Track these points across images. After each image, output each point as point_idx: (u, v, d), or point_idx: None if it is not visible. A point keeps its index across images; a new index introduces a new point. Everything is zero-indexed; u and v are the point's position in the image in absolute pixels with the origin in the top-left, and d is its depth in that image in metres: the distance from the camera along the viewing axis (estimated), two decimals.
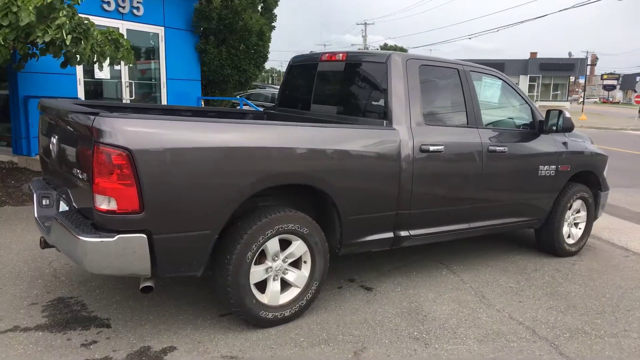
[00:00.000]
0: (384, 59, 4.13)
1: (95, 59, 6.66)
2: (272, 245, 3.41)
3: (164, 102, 10.56)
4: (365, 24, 70.03)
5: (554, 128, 4.84)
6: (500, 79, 4.89)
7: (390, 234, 4.07)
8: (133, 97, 9.96)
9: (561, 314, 4.01)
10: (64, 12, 5.74)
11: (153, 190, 2.85)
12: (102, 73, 9.32)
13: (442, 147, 4.16)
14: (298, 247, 3.54)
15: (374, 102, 4.24)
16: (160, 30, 10.39)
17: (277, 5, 12.79)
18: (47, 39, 5.52)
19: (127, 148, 2.75)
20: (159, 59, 10.52)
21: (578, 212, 5.60)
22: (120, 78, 9.82)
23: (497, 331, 3.63)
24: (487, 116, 4.79)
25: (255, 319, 3.40)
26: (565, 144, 5.21)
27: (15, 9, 5.51)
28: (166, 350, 3.15)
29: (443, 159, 4.20)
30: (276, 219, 3.37)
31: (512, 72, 52.07)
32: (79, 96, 9.01)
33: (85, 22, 6.16)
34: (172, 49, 10.61)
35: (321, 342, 3.33)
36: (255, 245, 3.29)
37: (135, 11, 9.77)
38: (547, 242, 5.48)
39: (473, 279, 4.65)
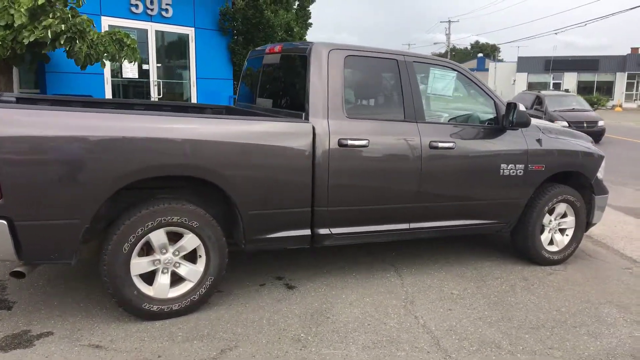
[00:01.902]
0: (306, 50, 3.97)
1: (97, 58, 6.99)
2: (157, 237, 3.38)
3: (194, 100, 10.89)
4: (449, 21, 68.45)
5: (509, 124, 4.41)
6: (455, 70, 4.52)
7: (307, 232, 3.91)
8: (161, 96, 10.38)
9: (486, 325, 3.64)
10: (57, 14, 6.07)
11: (11, 178, 2.93)
12: (130, 72, 9.80)
13: (366, 141, 3.93)
14: (189, 240, 3.49)
15: (297, 95, 4.09)
16: (190, 31, 10.74)
17: (313, 2, 12.76)
18: (31, 39, 5.87)
19: None
20: (188, 59, 10.88)
21: (564, 216, 5.06)
22: (149, 77, 10.26)
23: (393, 339, 3.36)
24: (437, 110, 4.47)
25: (137, 310, 3.39)
26: (539, 141, 4.73)
27: (12, 12, 5.93)
28: (42, 335, 3.23)
29: (368, 154, 3.96)
30: (158, 211, 3.34)
31: (606, 69, 48.37)
32: (107, 95, 9.53)
33: (81, 22, 6.46)
34: (202, 49, 10.92)
35: (196, 338, 3.26)
36: (134, 237, 3.28)
37: (164, 13, 10.17)
38: (522, 249, 5.02)
39: (415, 283, 4.35)
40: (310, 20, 12.80)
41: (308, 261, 4.73)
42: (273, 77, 4.62)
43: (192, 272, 3.55)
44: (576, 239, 5.12)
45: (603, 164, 5.22)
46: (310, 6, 12.85)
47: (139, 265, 3.37)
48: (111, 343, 3.16)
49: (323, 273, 4.47)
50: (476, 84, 4.60)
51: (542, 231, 4.97)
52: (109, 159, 3.13)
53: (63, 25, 6.24)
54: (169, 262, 3.47)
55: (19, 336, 3.20)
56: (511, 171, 4.57)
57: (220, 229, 3.58)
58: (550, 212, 4.96)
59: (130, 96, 10.19)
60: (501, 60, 71.55)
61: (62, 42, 6.26)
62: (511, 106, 4.38)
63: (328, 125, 3.82)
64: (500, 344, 3.39)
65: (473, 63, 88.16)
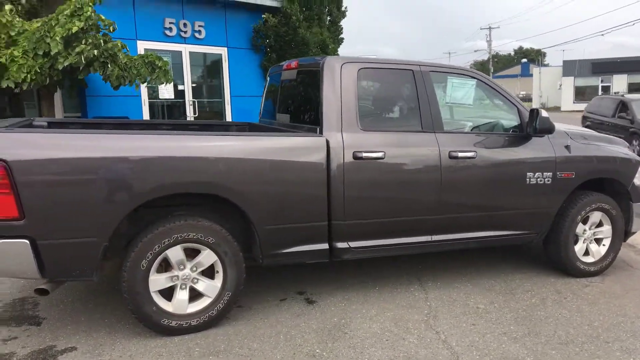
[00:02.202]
0: (319, 65, 3.99)
1: (130, 80, 7.24)
2: (175, 254, 3.45)
3: (229, 118, 11.11)
4: (490, 28, 67.31)
5: (532, 130, 4.27)
6: (474, 78, 4.43)
7: (325, 246, 3.89)
8: (197, 115, 10.64)
9: (511, 341, 3.51)
10: (89, 40, 6.35)
11: (33, 199, 3.06)
12: (167, 93, 10.11)
13: (382, 153, 3.89)
14: (206, 256, 3.54)
15: (312, 109, 4.11)
16: (223, 51, 10.99)
17: (345, 17, 12.84)
18: (65, 64, 6.15)
19: (2, 159, 2.99)
20: (222, 78, 11.12)
21: (600, 225, 4.85)
22: (184, 97, 10.55)
23: (411, 355, 3.28)
24: (459, 119, 4.39)
25: (157, 326, 3.45)
26: (567, 147, 4.56)
27: (48, 40, 6.24)
28: (66, 350, 3.33)
29: (384, 166, 3.92)
30: (175, 228, 3.41)
31: None
32: (144, 116, 9.85)
33: (112, 47, 6.73)
34: (235, 68, 11.15)
35: (212, 354, 3.28)
36: (151, 254, 3.35)
37: (197, 34, 10.46)
38: (555, 260, 4.83)
39: (440, 297, 4.25)
40: (342, 36, 12.88)
41: (330, 275, 4.70)
42: (291, 93, 4.66)
43: (210, 288, 3.59)
44: (614, 249, 4.88)
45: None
46: (353, 21, 12.91)
47: (157, 281, 3.44)
48: (130, 358, 3.23)
49: (345, 287, 4.43)
50: (497, 92, 4.49)
51: (576, 241, 4.77)
52: (125, 178, 3.23)
53: (96, 51, 6.51)
54: (187, 277, 3.53)
55: (44, 351, 3.31)
56: (538, 179, 4.42)
57: (237, 244, 3.61)
58: (584, 221, 4.76)
59: (167, 116, 10.50)
60: (547, 65, 69.68)
61: (96, 67, 6.53)
62: (534, 112, 4.25)
63: (342, 138, 3.81)
64: None
65: (517, 69, 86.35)
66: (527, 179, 4.38)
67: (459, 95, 4.39)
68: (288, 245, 3.78)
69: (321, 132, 3.83)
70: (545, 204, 4.51)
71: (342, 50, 13.30)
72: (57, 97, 9.45)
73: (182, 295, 3.53)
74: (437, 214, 4.15)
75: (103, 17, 7.03)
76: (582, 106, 44.71)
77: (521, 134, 4.44)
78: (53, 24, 6.22)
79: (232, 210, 3.66)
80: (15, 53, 6.38)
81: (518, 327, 3.73)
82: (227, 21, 10.91)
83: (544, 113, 4.21)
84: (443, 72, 4.36)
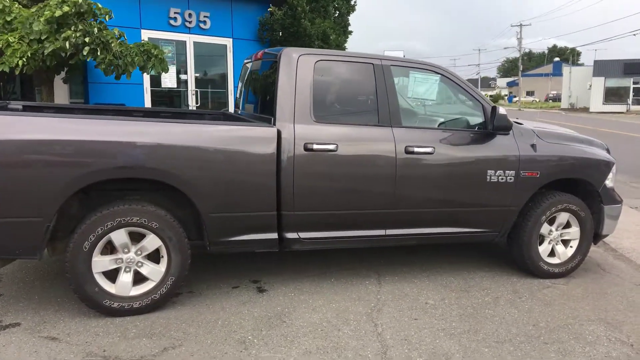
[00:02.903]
0: (277, 56, 4.03)
1: (124, 69, 7.38)
2: (118, 237, 3.54)
3: (232, 108, 11.20)
4: (521, 25, 66.17)
5: (491, 127, 4.23)
6: (438, 73, 4.40)
7: (274, 235, 3.93)
8: (198, 104, 10.77)
9: (447, 337, 3.50)
10: (79, 27, 6.49)
11: None
12: (169, 82, 10.26)
13: (334, 146, 3.91)
14: (150, 241, 3.62)
15: (270, 100, 4.14)
16: (228, 42, 11.08)
17: (354, 10, 12.79)
18: (51, 49, 6.30)
19: None
20: (226, 68, 11.22)
21: (568, 227, 4.77)
22: (187, 87, 10.68)
23: (340, 346, 3.31)
24: (424, 115, 4.37)
25: (98, 306, 3.55)
26: (533, 146, 4.49)
27: (33, 24, 6.41)
28: (10, 325, 3.46)
29: (336, 159, 3.94)
30: (118, 212, 3.50)
31: None
32: (146, 104, 10.02)
33: (105, 35, 6.86)
34: (240, 59, 11.20)
35: (147, 336, 3.36)
36: (94, 236, 3.45)
37: (202, 25, 10.56)
38: (518, 260, 4.78)
39: (393, 291, 4.26)
40: (350, 28, 12.84)
41: (290, 266, 4.75)
42: (256, 83, 4.70)
43: (154, 272, 3.67)
44: (581, 251, 4.80)
45: (613, 171, 4.87)
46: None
47: (100, 263, 3.53)
48: (67, 336, 3.33)
49: (301, 278, 4.47)
50: (463, 88, 4.45)
51: (541, 242, 4.71)
52: (66, 161, 3.33)
53: (87, 38, 6.65)
54: (131, 261, 3.61)
55: None
56: (500, 178, 4.37)
57: (182, 230, 3.68)
58: (551, 221, 4.69)
59: (169, 105, 10.65)
60: (582, 65, 67.96)
61: (84, 54, 6.67)
62: (493, 110, 4.21)
63: (294, 129, 3.84)
64: (452, 356, 3.25)
65: (549, 68, 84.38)
66: (488, 177, 4.34)
67: (422, 90, 4.37)
68: (236, 233, 3.84)
69: (275, 123, 3.87)
70: (507, 203, 4.47)
71: (362, 44, 13.43)
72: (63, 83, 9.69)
73: (125, 277, 3.62)
74: (392, 208, 4.15)
75: (100, 5, 7.17)
76: (612, 108, 43.71)
77: (485, 131, 4.39)
78: (45, 10, 6.39)
79: (181, 197, 3.73)
80: (11, 39, 6.57)
81: (460, 323, 3.72)
82: (232, 12, 10.99)
83: (501, 110, 4.16)
84: (405, 67, 4.34)
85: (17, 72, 6.52)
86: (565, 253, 4.78)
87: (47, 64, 6.68)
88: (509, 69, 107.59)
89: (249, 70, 4.87)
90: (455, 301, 4.12)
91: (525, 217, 4.58)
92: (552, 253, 4.77)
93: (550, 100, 70.89)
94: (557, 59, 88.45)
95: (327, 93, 4.12)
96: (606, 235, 5.07)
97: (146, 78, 9.81)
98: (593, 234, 4.84)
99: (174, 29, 10.21)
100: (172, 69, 9.98)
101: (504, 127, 4.23)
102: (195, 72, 10.73)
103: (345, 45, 12.83)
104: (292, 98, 3.89)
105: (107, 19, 7.15)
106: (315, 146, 3.86)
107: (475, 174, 4.32)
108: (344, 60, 4.17)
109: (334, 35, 11.77)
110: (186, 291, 4.10)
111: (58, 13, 6.21)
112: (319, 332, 3.50)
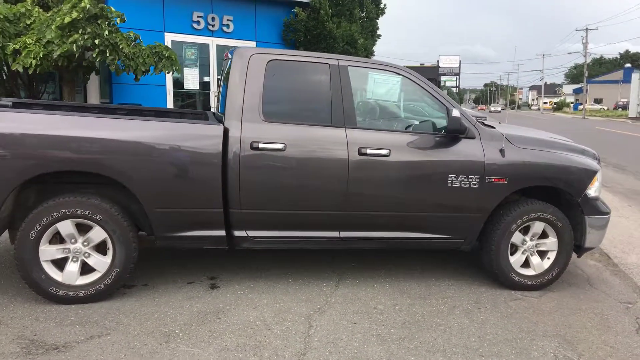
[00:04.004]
0: (231, 55, 4.08)
1: (135, 69, 7.68)
2: (65, 227, 3.69)
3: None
4: (587, 29, 63.50)
5: (443, 130, 4.09)
6: (399, 74, 4.31)
7: (222, 233, 3.98)
8: None
9: (377, 343, 3.42)
10: (87, 30, 6.82)
11: None
12: (191, 84, 10.57)
13: (282, 145, 3.91)
14: (95, 233, 3.75)
15: (224, 99, 4.20)
16: (252, 45, 11.26)
17: (384, 13, 12.69)
18: (59, 52, 6.65)
19: None
20: None
21: (545, 237, 4.54)
22: (209, 89, 10.96)
23: (262, 345, 3.30)
24: (386, 117, 4.31)
25: (44, 293, 3.71)
26: (502, 151, 4.31)
27: (44, 29, 6.79)
28: None
29: (284, 158, 3.94)
30: (63, 203, 3.65)
31: None
32: (169, 105, 10.35)
33: (113, 37, 7.17)
34: None
35: (80, 323, 3.48)
36: (39, 225, 3.61)
37: (225, 28, 10.82)
38: (488, 270, 4.59)
39: (346, 294, 4.20)
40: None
41: (254, 264, 4.77)
42: (224, 82, 4.77)
43: (100, 263, 3.80)
44: (559, 263, 4.55)
45: (597, 180, 4.59)
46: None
47: (47, 251, 3.69)
48: (10, 319, 3.51)
49: (259, 276, 4.49)
50: (426, 90, 4.33)
51: (514, 251, 4.51)
52: (10, 155, 3.51)
53: (97, 40, 6.97)
54: (78, 251, 3.76)
55: None
56: (462, 183, 4.22)
57: (128, 224, 3.79)
58: (525, 231, 4.48)
59: (191, 106, 10.95)
60: None
61: (94, 55, 7.00)
62: (447, 112, 4.07)
63: (241, 128, 3.88)
64: None
65: (619, 74, 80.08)
66: (449, 182, 4.20)
67: (382, 92, 4.29)
68: (182, 229, 3.91)
69: (224, 121, 3.92)
70: (471, 209, 4.30)
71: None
72: (95, 84, 10.20)
73: (72, 267, 3.76)
74: (344, 210, 4.10)
75: (113, 9, 7.51)
76: None
77: (449, 135, 4.25)
78: (57, 17, 6.76)
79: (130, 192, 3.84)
80: (28, 40, 6.99)
81: (399, 330, 3.62)
82: (256, 16, 11.18)
83: (454, 113, 4.01)
84: (364, 68, 4.28)
85: (30, 72, 6.91)
86: (540, 265, 4.54)
87: (58, 65, 7.04)
88: (576, 75, 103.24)
89: (223, 71, 4.95)
90: (407, 308, 4.01)
91: (494, 225, 4.40)
92: (527, 264, 4.55)
93: (620, 109, 67.24)
94: (628, 65, 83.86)
95: (279, 93, 4.12)
96: (591, 248, 4.78)
97: (169, 80, 10.15)
98: (573, 245, 4.58)
99: (197, 32, 10.52)
100: (195, 71, 10.28)
101: (456, 130, 4.08)
102: (218, 75, 10.98)
103: (374, 49, 12.76)
104: (241, 97, 3.93)
105: (119, 22, 7.45)
106: (261, 145, 3.88)
107: (435, 178, 4.19)
108: (298, 60, 4.17)
109: (361, 39, 11.72)
110: (141, 284, 4.21)
111: (67, 20, 6.55)
112: (248, 330, 3.50)
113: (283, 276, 4.52)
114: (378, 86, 4.27)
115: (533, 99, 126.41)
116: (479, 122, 4.62)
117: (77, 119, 3.72)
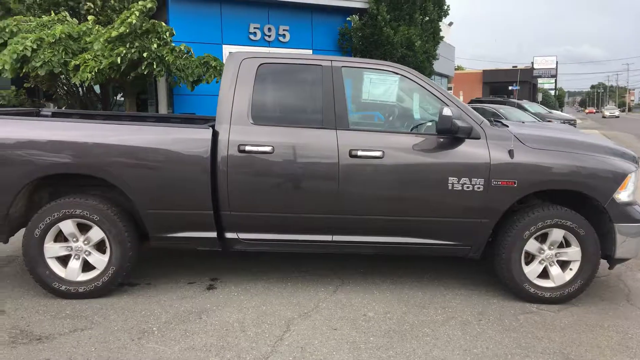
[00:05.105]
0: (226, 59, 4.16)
1: (185, 79, 8.06)
2: (66, 227, 3.93)
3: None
4: None
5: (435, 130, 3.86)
6: (397, 74, 4.14)
7: (213, 234, 4.04)
8: None
9: (350, 350, 3.29)
10: (135, 44, 7.27)
11: None
12: None
13: (270, 148, 3.91)
14: (94, 232, 3.96)
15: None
16: (308, 53, 11.39)
17: (447, 14, 12.30)
18: (104, 64, 7.13)
19: None
20: None
21: (566, 246, 4.15)
22: None
23: (228, 346, 3.30)
24: (374, 117, 4.17)
25: (49, 288, 3.97)
26: (511, 152, 4.00)
27: (94, 42, 7.32)
28: None
29: (273, 160, 3.93)
30: (63, 204, 3.90)
31: None
32: None
33: (160, 50, 7.57)
34: None
35: (71, 317, 3.68)
36: (43, 224, 3.88)
37: (281, 38, 11.05)
38: (501, 280, 4.26)
39: (341, 300, 4.09)
40: (441, 34, 12.36)
41: (260, 266, 4.78)
42: None
43: (99, 261, 4.00)
44: (582, 275, 4.12)
45: (631, 183, 4.11)
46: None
47: (52, 249, 3.96)
48: (14, 311, 3.79)
49: (260, 279, 4.49)
50: (427, 90, 4.13)
51: (531, 261, 4.16)
52: (16, 159, 3.81)
53: (145, 53, 7.40)
54: (79, 249, 3.99)
55: None
56: (465, 186, 3.97)
57: (124, 224, 3.96)
58: (542, 239, 4.12)
59: None
60: None
61: (143, 68, 7.44)
62: (440, 110, 3.84)
63: (229, 131, 3.93)
64: None
65: None
66: (450, 185, 3.97)
67: (379, 92, 4.16)
68: (174, 230, 4.03)
69: (215, 125, 4.00)
70: (476, 214, 4.03)
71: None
72: (164, 95, 10.84)
73: (74, 264, 4.00)
74: (337, 213, 4.01)
75: (164, 24, 7.95)
76: None
77: (450, 135, 4.02)
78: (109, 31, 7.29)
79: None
80: (87, 56, 7.58)
81: (380, 339, 3.46)
82: (313, 24, 11.31)
83: (445, 112, 3.77)
84: (359, 68, 4.17)
85: (86, 84, 7.49)
86: (561, 276, 4.14)
87: (111, 77, 7.56)
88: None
89: None
90: (399, 316, 3.83)
91: (504, 232, 4.08)
92: (546, 275, 4.17)
93: None
94: None
95: (270, 96, 4.12)
96: (625, 259, 4.28)
97: None
98: (599, 256, 4.13)
99: (253, 43, 10.83)
100: None
101: (446, 129, 3.83)
102: None
103: (436, 52, 12.38)
104: (231, 101, 3.98)
105: (167, 36, 7.86)
106: (248, 148, 3.90)
107: (434, 181, 3.97)
108: (290, 62, 4.15)
109: (419, 41, 11.43)
110: (145, 282, 4.38)
111: (114, 34, 7.03)
112: (223, 331, 3.51)
113: (283, 279, 4.49)
114: (374, 86, 4.14)
115: None
116: (496, 121, 4.32)
117: (76, 125, 3.97)
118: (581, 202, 4.21)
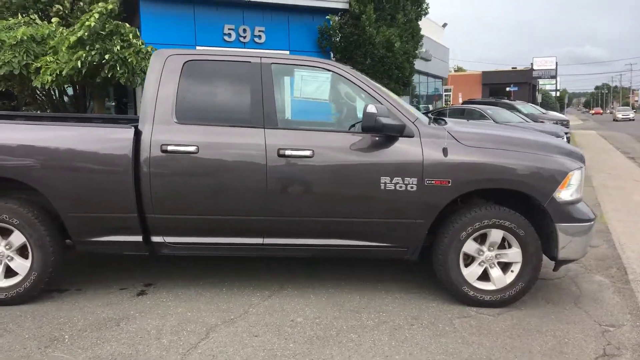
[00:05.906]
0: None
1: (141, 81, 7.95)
2: None
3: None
4: None
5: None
6: (329, 71, 4.01)
7: (139, 238, 3.91)
8: None
9: (264, 358, 3.15)
10: (95, 46, 7.16)
11: None
12: None
13: (195, 147, 3.78)
14: (15, 236, 3.84)
15: None
16: (285, 54, 11.28)
17: (427, 13, 12.16)
18: (66, 70, 7.03)
19: None
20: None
21: (507, 247, 4.00)
22: None
23: (134, 355, 3.17)
24: (306, 114, 4.04)
25: None
26: (445, 150, 3.86)
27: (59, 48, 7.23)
28: None
29: (197, 161, 3.80)
30: None
31: None
32: None
33: (122, 52, 7.47)
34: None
35: None
36: None
37: (256, 39, 10.93)
38: (442, 283, 4.11)
39: (272, 305, 3.95)
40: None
41: (198, 272, 4.64)
42: None
43: (21, 266, 3.87)
44: (523, 277, 3.96)
45: (573, 182, 3.95)
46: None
47: None
48: None
49: (196, 284, 4.35)
50: (361, 87, 3.99)
51: (470, 262, 4.01)
52: None
53: (107, 55, 7.29)
54: (1, 254, 3.86)
55: None
56: (397, 186, 3.83)
57: (44, 228, 3.83)
58: (481, 240, 3.97)
59: None
60: None
61: (106, 70, 7.33)
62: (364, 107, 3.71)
63: (152, 130, 3.81)
64: None
65: None
66: (382, 184, 3.82)
67: (311, 90, 4.02)
68: (98, 234, 3.90)
69: (138, 124, 3.88)
70: (410, 215, 3.88)
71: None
72: (139, 97, 10.72)
73: None
74: (266, 215, 3.87)
75: (127, 25, 7.85)
76: None
77: (378, 134, 3.87)
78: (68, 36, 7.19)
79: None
80: (49, 59, 7.48)
81: (299, 346, 3.32)
82: (289, 25, 11.19)
83: (369, 109, 3.63)
84: (289, 65, 4.04)
85: (46, 87, 7.39)
86: (502, 278, 3.99)
87: (74, 80, 7.46)
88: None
89: None
90: (328, 321, 3.69)
91: (439, 233, 3.94)
92: (486, 278, 4.02)
93: None
94: None
95: (196, 93, 3.99)
96: (570, 261, 4.14)
97: None
98: (541, 257, 3.98)
99: (228, 44, 10.72)
100: None
101: (370, 127, 3.69)
102: None
103: (417, 51, 12.24)
104: (154, 99, 3.86)
105: (131, 38, 7.75)
106: (171, 147, 3.77)
107: (366, 180, 3.83)
108: (218, 59, 4.03)
109: (398, 42, 11.29)
110: (75, 288, 4.25)
111: (73, 39, 6.92)
112: (136, 339, 3.38)
113: (218, 284, 4.36)
114: (305, 84, 4.01)
115: None
116: (438, 119, 4.19)
117: None
118: (526, 202, 4.06)
